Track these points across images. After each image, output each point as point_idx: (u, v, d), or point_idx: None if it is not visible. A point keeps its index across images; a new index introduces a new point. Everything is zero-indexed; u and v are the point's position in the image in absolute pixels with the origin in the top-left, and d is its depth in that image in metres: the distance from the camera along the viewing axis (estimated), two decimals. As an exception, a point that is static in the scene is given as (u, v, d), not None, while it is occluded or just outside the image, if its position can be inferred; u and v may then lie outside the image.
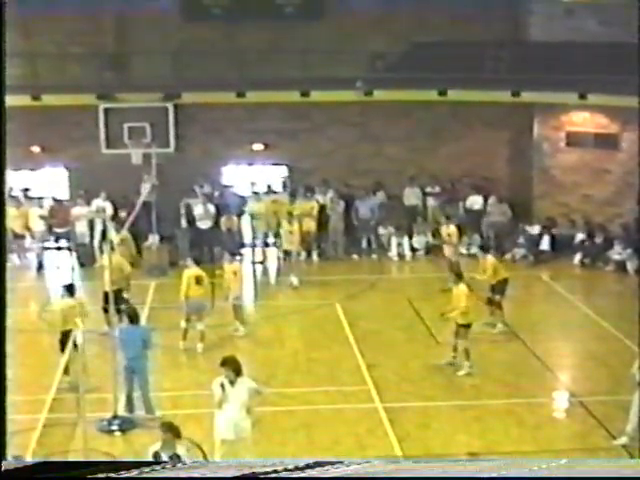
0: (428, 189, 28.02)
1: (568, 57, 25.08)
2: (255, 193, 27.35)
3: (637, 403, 14.17)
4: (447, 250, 23.53)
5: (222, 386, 12.14)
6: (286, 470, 8.69)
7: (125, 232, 21.13)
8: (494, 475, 8.72)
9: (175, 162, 26.66)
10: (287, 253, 24.84)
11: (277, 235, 25.96)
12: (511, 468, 9.02)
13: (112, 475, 9.28)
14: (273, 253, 26.46)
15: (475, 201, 27.49)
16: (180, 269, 21.83)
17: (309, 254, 26.52)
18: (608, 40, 25.38)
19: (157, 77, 26.94)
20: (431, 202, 27.79)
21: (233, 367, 12.27)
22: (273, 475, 8.65)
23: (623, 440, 14.23)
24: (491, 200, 27.41)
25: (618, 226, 25.92)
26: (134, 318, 15.98)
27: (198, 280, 18.81)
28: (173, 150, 27.15)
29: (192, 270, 19.07)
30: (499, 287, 20.07)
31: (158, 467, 9.95)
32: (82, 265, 25.12)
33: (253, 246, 26.66)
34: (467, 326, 17.58)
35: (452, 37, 27.08)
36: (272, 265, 25.98)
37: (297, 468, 8.77)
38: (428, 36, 27.09)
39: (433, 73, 26.01)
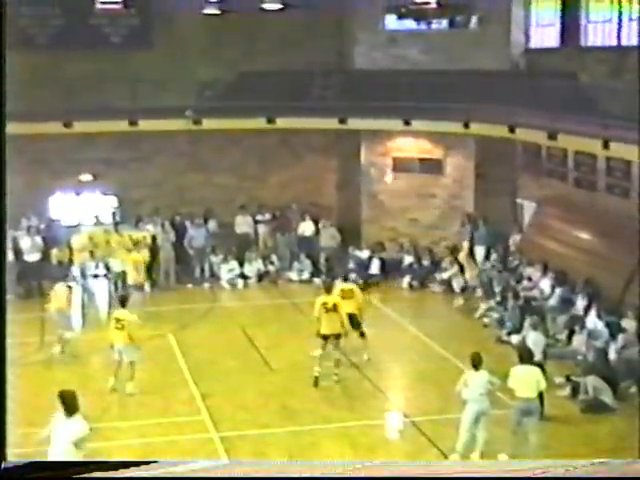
0: (258, 217, 28.16)
1: (392, 84, 25.68)
2: (83, 224, 26.90)
3: (466, 420, 14.57)
4: None
5: (55, 422, 11.82)
6: None
7: None
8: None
9: None
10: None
11: (107, 267, 25.43)
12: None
13: (110, 475, 9.12)
14: (103, 285, 25.68)
15: (306, 227, 27.79)
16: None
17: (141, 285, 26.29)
18: (429, 67, 26.22)
19: (-21, 107, 26.23)
20: (262, 229, 27.96)
21: (70, 403, 11.76)
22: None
23: (454, 457, 14.57)
24: (320, 225, 27.74)
25: (444, 248, 26.63)
26: None
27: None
28: (-3, 182, 26.38)
29: None
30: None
31: (152, 467, 9.76)
32: None
33: (83, 277, 26.11)
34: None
35: (279, 66, 27.39)
36: (102, 297, 25.28)
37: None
38: (255, 65, 27.37)
39: (261, 101, 26.26)
